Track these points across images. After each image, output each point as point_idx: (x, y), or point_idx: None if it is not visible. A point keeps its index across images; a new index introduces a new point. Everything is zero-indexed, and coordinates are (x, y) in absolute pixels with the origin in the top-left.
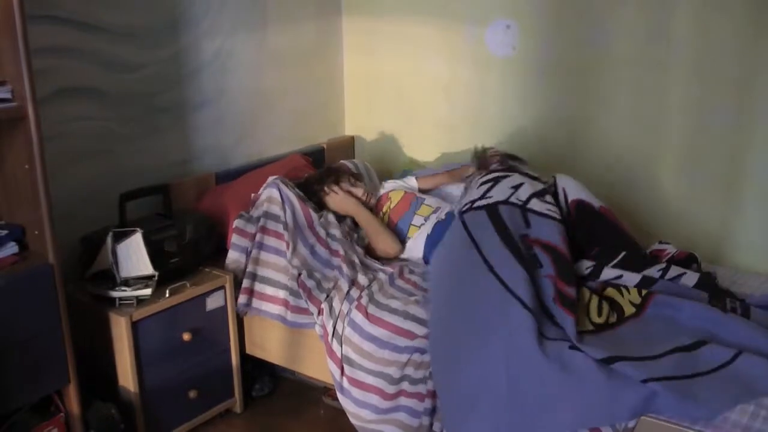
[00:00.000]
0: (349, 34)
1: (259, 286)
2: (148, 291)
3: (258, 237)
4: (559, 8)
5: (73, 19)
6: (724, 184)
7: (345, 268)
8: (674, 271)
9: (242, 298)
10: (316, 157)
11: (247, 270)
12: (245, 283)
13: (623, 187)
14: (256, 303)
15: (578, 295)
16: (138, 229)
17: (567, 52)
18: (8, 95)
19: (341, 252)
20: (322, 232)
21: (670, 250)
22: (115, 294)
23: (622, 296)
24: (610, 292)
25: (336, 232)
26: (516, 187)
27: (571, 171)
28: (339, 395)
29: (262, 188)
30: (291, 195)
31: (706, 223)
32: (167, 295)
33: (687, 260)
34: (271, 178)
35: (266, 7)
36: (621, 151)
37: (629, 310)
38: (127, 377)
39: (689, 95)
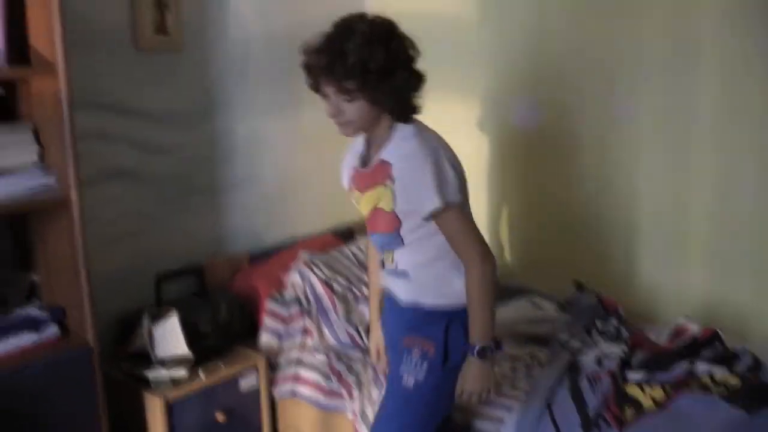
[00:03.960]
0: None
1: (293, 369)
2: (183, 372)
3: (290, 321)
4: (582, 84)
5: (115, 105)
6: (754, 256)
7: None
8: (702, 366)
9: (287, 386)
10: (345, 236)
11: (288, 355)
12: (289, 369)
13: (650, 260)
14: (290, 386)
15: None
16: (174, 310)
17: (590, 126)
18: (53, 181)
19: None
20: (342, 322)
21: (694, 329)
22: (151, 374)
23: (643, 392)
24: (630, 389)
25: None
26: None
27: (596, 243)
28: None
29: (291, 269)
30: (314, 279)
31: (736, 297)
32: (202, 376)
33: (711, 339)
34: (299, 256)
35: (300, 89)
36: (646, 223)
37: (648, 404)
38: None
39: (715, 168)
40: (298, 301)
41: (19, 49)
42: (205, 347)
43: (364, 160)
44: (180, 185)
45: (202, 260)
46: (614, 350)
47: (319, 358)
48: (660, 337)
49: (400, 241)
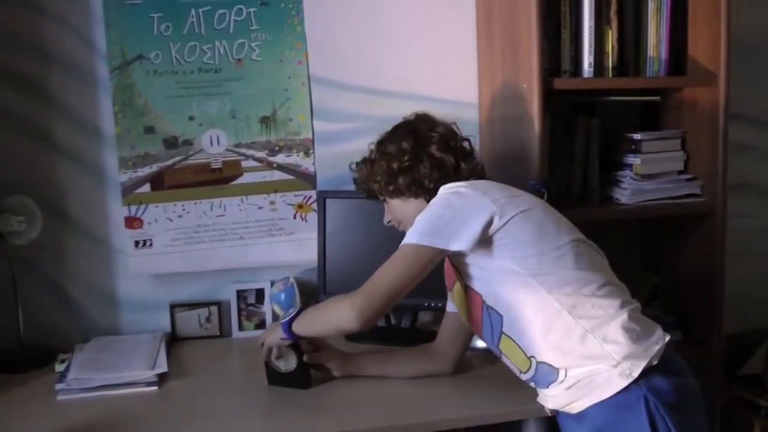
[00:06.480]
0: None
1: None
2: None
3: None
4: None
5: (753, 117)
6: None
7: None
8: None
9: None
10: None
11: None
12: None
13: None
14: None
15: None
16: None
17: None
18: (698, 191)
19: None
20: None
21: None
22: (764, 402)
23: None
24: None
25: None
26: None
27: None
28: None
29: None
30: None
31: None
32: None
33: None
34: None
35: None
36: None
37: None
38: None
39: None
40: None
41: (677, 60)
42: None
43: None
44: None
45: None
46: None
47: None
48: None
49: (496, 315)
